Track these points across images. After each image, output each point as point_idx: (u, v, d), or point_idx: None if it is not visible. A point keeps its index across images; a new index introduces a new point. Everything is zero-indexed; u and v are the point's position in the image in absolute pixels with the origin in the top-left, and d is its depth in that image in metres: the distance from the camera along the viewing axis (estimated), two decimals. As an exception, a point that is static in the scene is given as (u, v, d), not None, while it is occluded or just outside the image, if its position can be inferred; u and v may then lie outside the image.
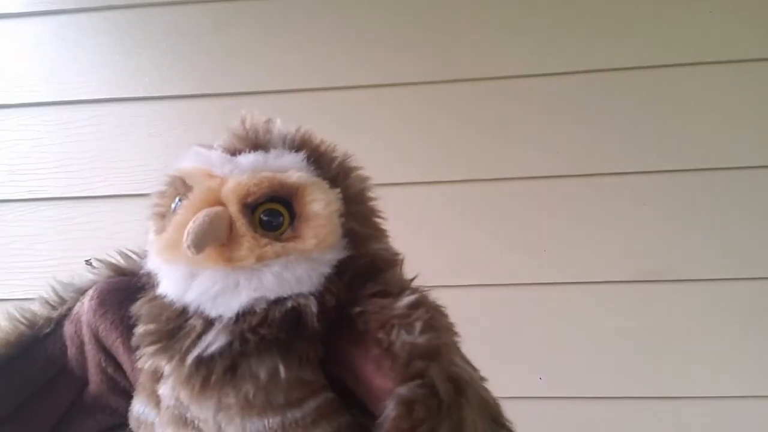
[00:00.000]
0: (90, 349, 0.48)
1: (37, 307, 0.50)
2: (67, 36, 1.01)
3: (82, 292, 0.50)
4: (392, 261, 0.45)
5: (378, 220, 0.46)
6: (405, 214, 0.95)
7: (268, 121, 0.45)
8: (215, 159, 0.41)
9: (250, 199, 0.39)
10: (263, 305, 0.38)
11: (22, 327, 0.48)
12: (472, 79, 0.95)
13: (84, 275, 0.51)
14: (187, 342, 0.38)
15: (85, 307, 0.48)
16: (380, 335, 0.37)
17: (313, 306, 0.39)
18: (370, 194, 0.46)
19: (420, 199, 0.95)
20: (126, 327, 0.45)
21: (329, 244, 0.40)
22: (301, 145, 0.43)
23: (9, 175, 1.01)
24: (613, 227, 0.93)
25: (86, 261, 0.52)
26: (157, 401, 0.43)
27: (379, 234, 0.46)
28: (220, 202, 0.39)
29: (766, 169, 0.91)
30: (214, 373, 0.38)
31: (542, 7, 0.95)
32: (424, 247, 0.93)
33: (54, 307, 0.50)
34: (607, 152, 0.93)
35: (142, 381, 0.45)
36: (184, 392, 0.40)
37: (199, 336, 0.38)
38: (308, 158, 0.42)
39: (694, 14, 0.92)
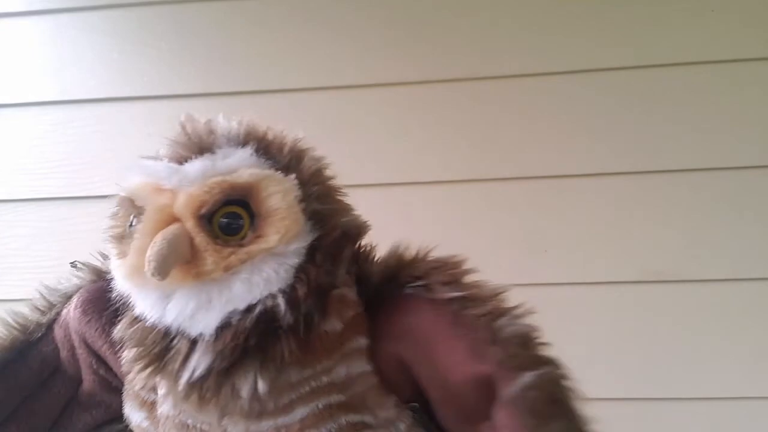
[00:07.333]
0: (81, 353, 0.51)
1: (27, 312, 0.52)
2: (66, 35, 1.00)
3: (68, 297, 0.52)
4: (362, 228, 0.46)
5: (339, 196, 0.46)
6: (405, 214, 0.95)
7: (209, 121, 0.43)
8: (161, 171, 0.40)
9: (204, 210, 0.38)
10: (237, 316, 0.38)
11: (16, 332, 0.51)
12: (471, 79, 0.95)
13: (70, 279, 0.53)
14: (176, 365, 0.39)
15: (71, 315, 0.50)
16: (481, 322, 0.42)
17: (281, 303, 0.38)
18: (327, 173, 0.45)
19: (420, 199, 0.95)
20: (110, 333, 0.46)
21: (294, 234, 0.39)
22: (246, 138, 0.42)
23: (8, 174, 1.01)
24: (614, 228, 0.92)
25: (71, 263, 0.54)
26: (151, 408, 0.45)
27: (343, 207, 0.46)
28: (175, 219, 0.38)
29: (766, 169, 0.91)
30: (207, 391, 0.39)
31: (542, 7, 0.94)
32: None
33: (43, 312, 0.52)
34: (608, 152, 0.93)
35: (135, 392, 0.46)
36: (184, 406, 0.41)
37: (186, 358, 0.39)
38: (257, 151, 0.41)
39: (696, 13, 0.92)
